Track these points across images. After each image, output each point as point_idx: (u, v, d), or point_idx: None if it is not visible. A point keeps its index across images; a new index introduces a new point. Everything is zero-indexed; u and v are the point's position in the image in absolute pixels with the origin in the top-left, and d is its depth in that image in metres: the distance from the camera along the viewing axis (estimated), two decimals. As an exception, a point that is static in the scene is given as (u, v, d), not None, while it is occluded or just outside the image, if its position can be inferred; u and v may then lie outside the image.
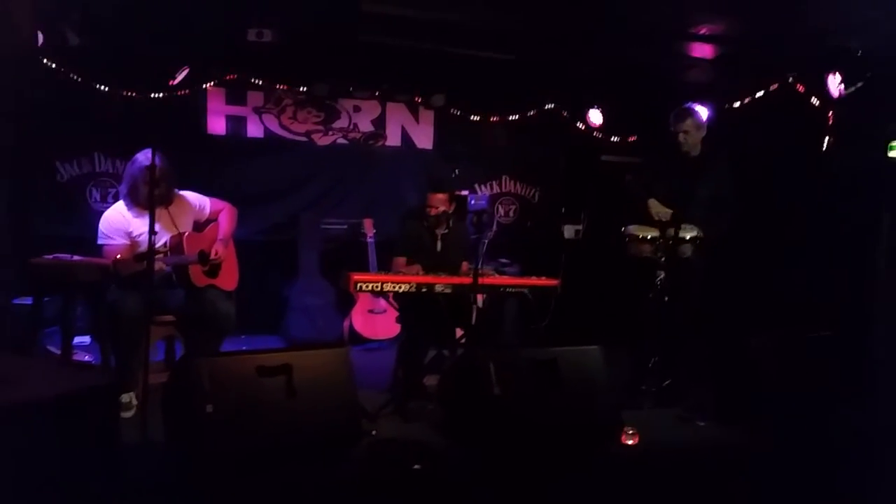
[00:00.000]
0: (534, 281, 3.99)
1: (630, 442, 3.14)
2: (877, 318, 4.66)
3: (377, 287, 3.67)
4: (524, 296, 3.83)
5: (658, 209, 4.26)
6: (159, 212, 3.94)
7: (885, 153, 4.72)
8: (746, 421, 3.50)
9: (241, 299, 4.31)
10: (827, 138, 5.19)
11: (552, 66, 5.95)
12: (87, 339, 5.34)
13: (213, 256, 4.09)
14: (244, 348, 5.38)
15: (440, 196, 4.30)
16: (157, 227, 3.94)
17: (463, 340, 4.12)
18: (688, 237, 4.19)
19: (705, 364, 4.26)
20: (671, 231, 4.13)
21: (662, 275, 4.20)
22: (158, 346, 4.35)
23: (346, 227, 6.30)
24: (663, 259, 4.22)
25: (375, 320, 5.85)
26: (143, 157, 3.89)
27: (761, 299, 5.04)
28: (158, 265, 3.73)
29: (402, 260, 4.26)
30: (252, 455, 2.52)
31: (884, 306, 4.68)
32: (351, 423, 2.79)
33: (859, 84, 4.90)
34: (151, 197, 3.07)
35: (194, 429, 2.44)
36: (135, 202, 3.95)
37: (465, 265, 4.40)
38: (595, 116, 6.53)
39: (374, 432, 3.11)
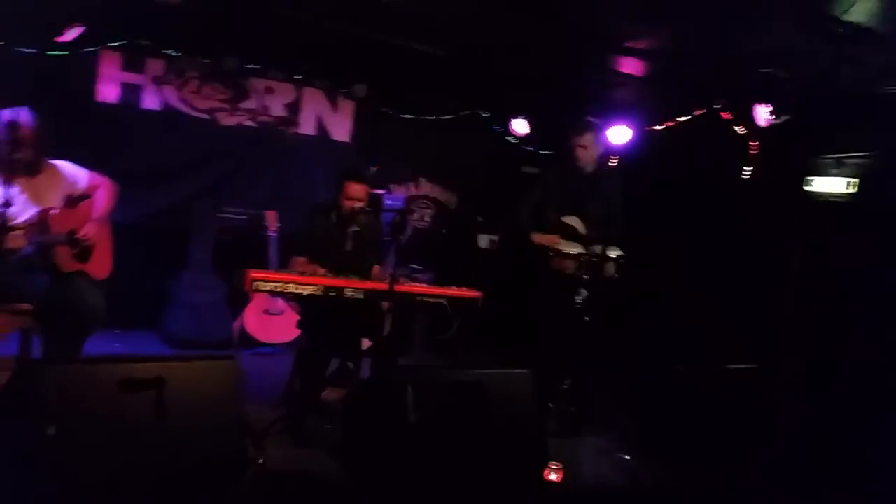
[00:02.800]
0: (454, 291, 3.66)
1: (554, 477, 2.85)
2: (785, 355, 4.64)
3: (278, 287, 3.24)
4: (441, 307, 3.49)
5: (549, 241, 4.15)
6: (24, 181, 3.37)
7: (802, 188, 4.75)
8: (671, 456, 3.29)
9: (118, 290, 3.75)
10: (748, 168, 5.18)
11: (482, 68, 5.67)
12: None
13: (82, 236, 3.54)
14: (116, 345, 4.82)
15: (359, 187, 3.86)
16: (21, 200, 3.41)
17: (370, 352, 3.74)
18: (614, 255, 4.02)
19: (626, 392, 4.07)
20: (597, 249, 3.93)
21: (585, 293, 3.98)
22: (12, 339, 3.72)
23: (245, 217, 5.78)
24: (585, 277, 4.02)
25: (271, 322, 5.36)
26: (10, 114, 3.30)
27: (680, 327, 4.93)
28: (15, 242, 3.14)
29: (301, 259, 3.80)
30: (106, 490, 2.01)
31: (791, 344, 4.68)
32: (234, 451, 2.32)
33: (787, 117, 4.90)
34: (7, 165, 2.51)
35: (30, 455, 1.92)
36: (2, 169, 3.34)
37: (376, 269, 4.02)
38: (519, 126, 6.31)
39: (260, 461, 2.67)
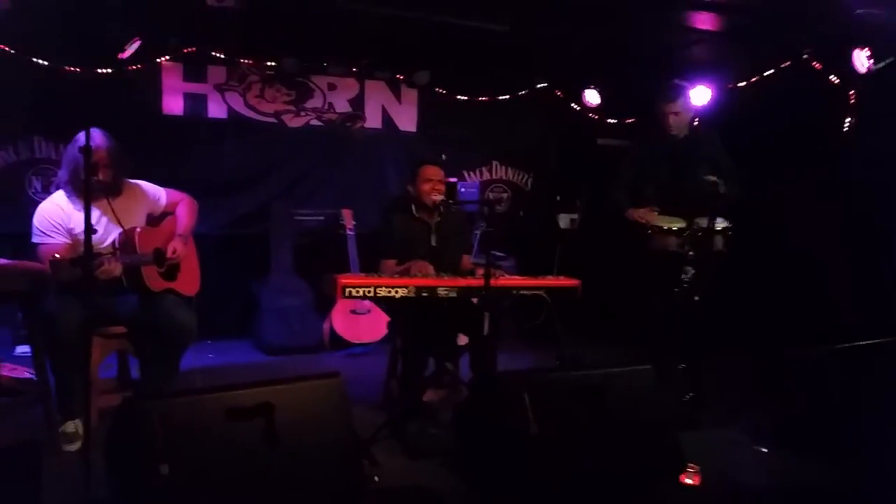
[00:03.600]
0: (551, 281, 3.44)
1: (691, 481, 2.61)
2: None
3: (369, 292, 3.10)
4: (540, 299, 3.29)
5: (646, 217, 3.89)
6: (105, 204, 3.32)
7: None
8: (816, 448, 2.97)
9: (207, 302, 3.73)
10: (848, 120, 4.75)
11: (549, 40, 5.39)
12: (26, 349, 4.66)
13: (170, 255, 3.49)
14: (210, 356, 4.81)
15: (435, 169, 3.67)
16: (103, 222, 3.36)
17: (467, 349, 3.58)
18: (721, 227, 3.72)
19: (749, 378, 3.77)
20: (702, 221, 3.63)
21: (691, 271, 3.69)
22: (110, 362, 3.72)
23: (321, 218, 5.70)
24: (691, 253, 3.73)
25: (359, 321, 5.27)
26: (84, 137, 3.24)
27: (794, 304, 4.57)
28: (107, 266, 3.09)
29: (391, 263, 3.65)
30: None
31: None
32: (351, 475, 2.19)
33: (891, 59, 4.46)
34: (87, 186, 2.43)
35: (146, 497, 1.82)
36: (77, 191, 3.31)
37: (466, 259, 3.85)
38: (591, 97, 6.02)
39: (376, 478, 2.53)
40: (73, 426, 3.22)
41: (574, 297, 3.44)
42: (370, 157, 5.83)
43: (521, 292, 3.31)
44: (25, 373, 4.02)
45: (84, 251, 2.49)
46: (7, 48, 4.60)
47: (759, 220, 4.62)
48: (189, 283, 3.68)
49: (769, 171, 4.84)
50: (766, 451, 3.12)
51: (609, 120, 6.22)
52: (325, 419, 2.17)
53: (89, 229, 2.42)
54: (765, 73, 5.27)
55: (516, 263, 5.51)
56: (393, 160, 5.86)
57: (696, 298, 3.65)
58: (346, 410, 2.26)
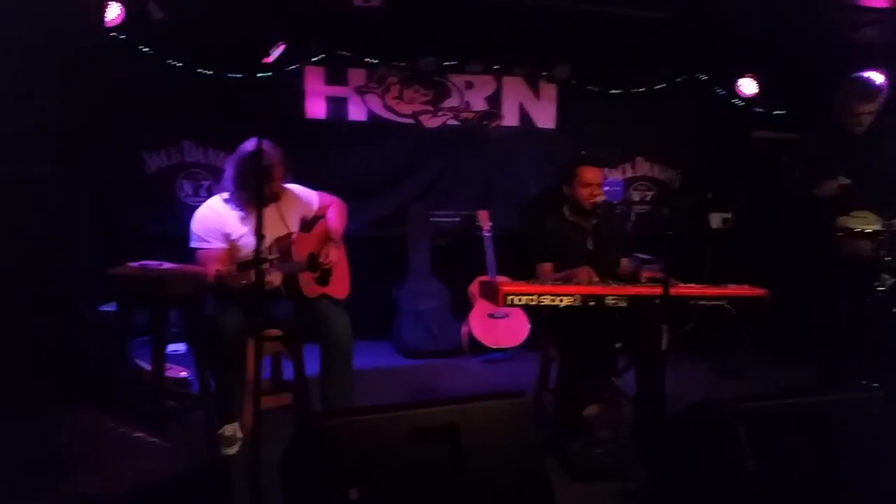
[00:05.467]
0: (734, 290, 3.11)
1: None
2: None
3: (532, 300, 2.90)
4: (724, 310, 2.97)
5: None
6: (266, 210, 3.31)
7: None
8: None
9: (347, 303, 3.66)
10: None
11: (703, 26, 4.99)
12: (181, 348, 4.82)
13: (323, 261, 3.44)
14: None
15: (595, 171, 3.45)
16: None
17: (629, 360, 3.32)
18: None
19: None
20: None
21: (889, 279, 3.26)
22: (264, 364, 3.72)
23: (457, 219, 5.58)
24: (887, 258, 3.29)
25: (497, 326, 5.10)
26: (253, 146, 3.25)
27: None
28: (269, 278, 3.07)
29: (548, 266, 3.44)
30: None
31: None
32: (541, 499, 2.00)
33: None
34: (259, 195, 2.38)
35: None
36: (241, 197, 3.31)
37: (624, 263, 3.58)
38: (747, 86, 5.55)
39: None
40: (231, 429, 3.23)
41: (761, 308, 3.09)
42: (507, 157, 5.64)
43: (701, 303, 3.01)
44: (182, 372, 4.13)
45: (254, 258, 2.45)
46: (156, 54, 4.74)
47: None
48: (340, 287, 3.63)
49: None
50: None
51: (763, 110, 5.72)
52: (513, 442, 1.99)
53: (260, 237, 2.36)
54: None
55: (664, 266, 5.15)
56: (530, 159, 5.65)
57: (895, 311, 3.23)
58: (533, 433, 2.07)
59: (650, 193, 5.89)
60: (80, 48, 2.44)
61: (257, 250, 2.39)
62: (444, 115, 5.50)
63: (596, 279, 3.14)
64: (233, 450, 3.18)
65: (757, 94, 5.54)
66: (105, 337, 3.88)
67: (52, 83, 2.27)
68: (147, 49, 4.71)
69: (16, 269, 2.47)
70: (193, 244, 3.33)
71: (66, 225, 3.29)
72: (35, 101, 2.22)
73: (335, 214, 3.66)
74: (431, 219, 5.47)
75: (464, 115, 5.53)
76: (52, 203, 2.94)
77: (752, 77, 5.49)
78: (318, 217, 3.68)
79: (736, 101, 5.66)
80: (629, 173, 5.86)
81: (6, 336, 2.45)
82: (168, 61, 4.78)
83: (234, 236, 3.32)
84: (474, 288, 5.15)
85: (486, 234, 5.18)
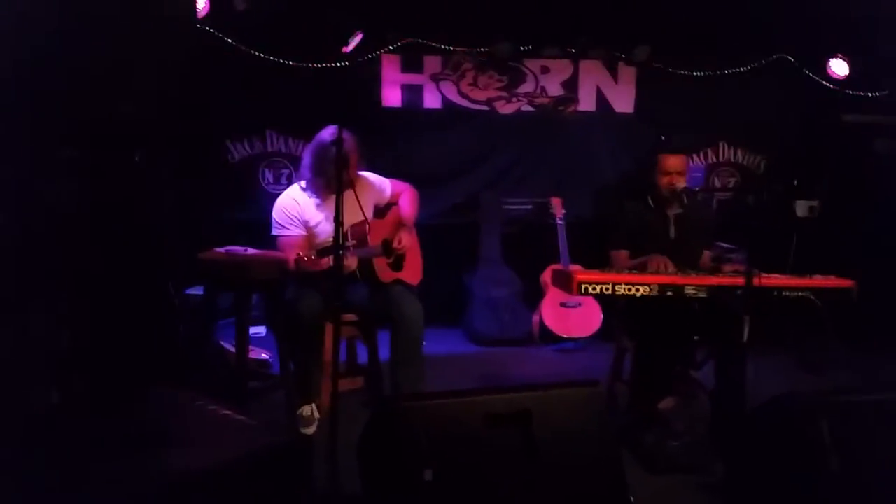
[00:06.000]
0: (819, 282, 2.99)
1: None
2: None
3: (607, 289, 2.86)
4: (809, 302, 2.86)
5: None
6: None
7: None
8: None
9: (420, 289, 3.71)
10: None
11: (795, 4, 4.76)
12: (262, 331, 4.99)
13: (396, 246, 3.50)
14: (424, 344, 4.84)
15: (677, 159, 3.36)
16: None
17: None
18: None
19: None
20: None
21: None
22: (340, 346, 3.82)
23: (530, 206, 5.54)
24: None
25: (569, 315, 5.06)
26: (329, 134, 3.33)
27: None
28: (346, 262, 3.15)
29: (624, 254, 3.39)
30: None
31: None
32: (615, 495, 2.00)
33: None
34: (339, 181, 2.43)
35: (409, 502, 1.76)
36: (319, 185, 3.40)
37: (706, 255, 3.49)
38: (838, 67, 5.27)
39: (632, 498, 2.31)
40: (308, 410, 3.34)
41: (849, 299, 2.96)
42: (582, 143, 5.55)
43: (785, 293, 2.90)
44: (263, 354, 4.28)
45: (332, 244, 2.52)
46: (243, 46, 4.89)
47: None
48: (413, 273, 3.69)
49: None
50: None
51: (855, 93, 5.42)
52: (585, 431, 1.99)
53: (339, 223, 2.42)
54: None
55: (747, 256, 4.98)
56: (607, 145, 5.54)
57: None
58: (607, 423, 2.06)
59: (733, 180, 5.69)
60: (177, 44, 2.56)
61: (336, 236, 2.46)
62: (518, 100, 5.45)
63: (672, 268, 3.08)
64: (310, 429, 3.29)
65: (848, 76, 5.25)
66: (190, 319, 4.08)
67: (150, 77, 2.39)
68: (232, 40, 4.85)
69: (116, 254, 2.63)
70: (274, 231, 3.45)
71: (159, 211, 3.47)
72: (136, 93, 2.34)
73: (408, 201, 3.71)
74: (504, 206, 5.45)
75: (539, 100, 5.47)
76: (148, 189, 3.11)
77: (843, 58, 5.20)
78: (392, 203, 3.74)
79: (826, 83, 5.37)
80: (711, 159, 5.67)
81: (107, 318, 2.61)
82: (252, 52, 4.91)
83: (311, 223, 3.42)
84: (546, 276, 5.12)
85: (560, 222, 5.13)
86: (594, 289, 2.87)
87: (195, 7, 4.17)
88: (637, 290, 2.87)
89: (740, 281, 2.69)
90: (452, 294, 5.33)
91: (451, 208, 5.44)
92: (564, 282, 2.99)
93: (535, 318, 5.10)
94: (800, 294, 2.92)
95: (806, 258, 4.76)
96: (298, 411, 3.34)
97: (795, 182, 5.43)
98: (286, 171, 5.23)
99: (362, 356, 3.86)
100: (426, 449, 1.77)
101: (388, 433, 1.87)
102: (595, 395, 2.07)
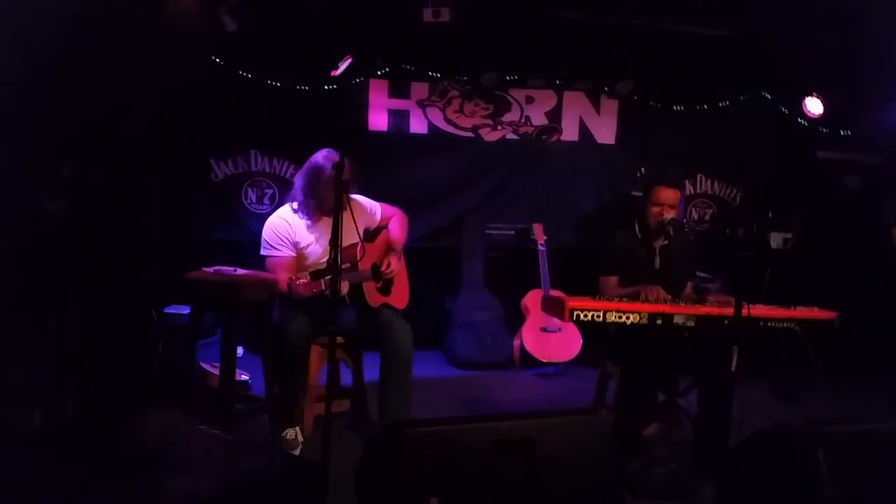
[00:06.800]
0: (803, 313, 3.08)
1: None
2: None
3: (598, 316, 2.91)
4: (793, 333, 2.94)
5: None
6: (329, 220, 3.39)
7: None
8: None
9: (403, 312, 3.71)
10: None
11: (769, 44, 4.93)
12: (239, 351, 4.93)
13: (384, 270, 3.50)
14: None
15: (671, 192, 3.44)
16: (326, 238, 3.44)
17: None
18: None
19: None
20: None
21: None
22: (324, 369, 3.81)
23: (512, 232, 5.61)
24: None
25: (549, 340, 5.10)
26: (325, 158, 3.34)
27: None
28: (339, 286, 3.13)
29: (613, 279, 3.46)
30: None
31: None
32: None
33: None
34: (338, 205, 2.45)
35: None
36: (310, 207, 3.39)
37: (689, 287, 3.56)
38: (813, 105, 5.45)
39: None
40: (293, 433, 3.31)
41: (830, 331, 3.05)
42: (564, 171, 5.65)
43: (770, 324, 2.97)
44: (243, 375, 4.23)
45: (328, 267, 2.51)
46: (228, 65, 4.89)
47: None
48: (400, 297, 3.70)
49: None
50: None
51: (828, 130, 5.62)
52: (586, 460, 2.00)
53: (336, 247, 2.43)
54: None
55: (723, 286, 5.09)
56: (588, 174, 5.65)
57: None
58: (609, 453, 2.09)
59: (709, 211, 5.82)
60: (182, 65, 2.57)
61: (334, 260, 2.47)
62: (503, 128, 5.54)
63: (669, 298, 3.14)
64: (294, 453, 3.25)
65: (822, 114, 5.44)
66: (170, 339, 4.02)
67: (150, 101, 2.39)
68: (219, 60, 4.85)
69: (105, 272, 2.60)
70: (263, 252, 3.42)
71: (145, 229, 3.44)
72: (136, 116, 2.34)
73: (397, 225, 3.73)
74: (486, 231, 5.51)
75: (523, 129, 5.56)
76: (135, 208, 3.08)
77: (817, 97, 5.39)
78: (381, 227, 3.75)
79: (801, 120, 5.55)
80: (689, 190, 5.80)
81: (96, 336, 2.57)
82: (239, 72, 4.91)
83: (301, 244, 3.41)
84: (527, 301, 5.17)
85: (541, 248, 5.20)
86: (585, 315, 2.91)
87: (203, 36, 4.14)
88: (627, 317, 2.93)
89: (728, 311, 2.75)
90: (434, 317, 5.35)
91: (434, 232, 5.47)
92: (556, 308, 3.03)
93: (516, 342, 5.13)
94: (784, 325, 2.99)
95: (779, 289, 4.87)
96: (283, 434, 3.30)
97: (770, 214, 5.58)
98: (270, 192, 5.21)
99: (345, 378, 3.84)
100: (431, 475, 1.77)
101: (391, 459, 1.86)
102: (597, 423, 2.10)
